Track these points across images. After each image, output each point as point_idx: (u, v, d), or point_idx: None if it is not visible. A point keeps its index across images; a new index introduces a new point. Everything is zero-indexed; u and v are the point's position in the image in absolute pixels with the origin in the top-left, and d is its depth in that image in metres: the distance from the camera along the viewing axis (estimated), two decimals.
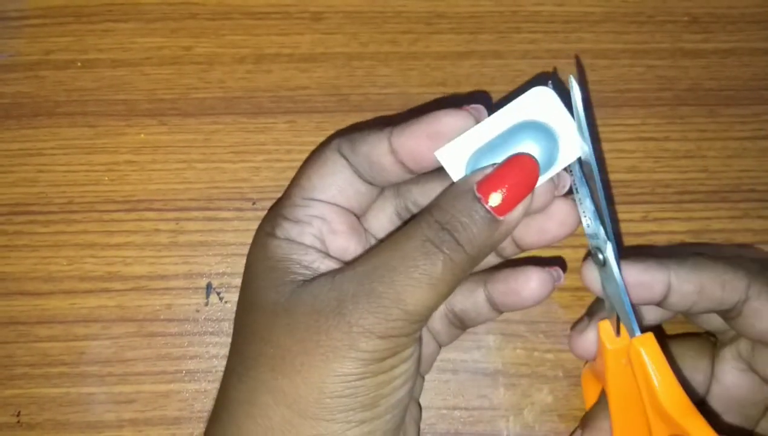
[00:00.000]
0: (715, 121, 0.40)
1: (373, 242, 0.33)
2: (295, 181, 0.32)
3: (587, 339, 0.32)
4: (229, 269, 0.38)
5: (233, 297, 0.38)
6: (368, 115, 0.40)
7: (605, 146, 0.39)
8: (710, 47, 0.41)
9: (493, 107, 0.29)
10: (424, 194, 0.32)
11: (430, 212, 0.27)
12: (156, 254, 0.38)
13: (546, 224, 0.30)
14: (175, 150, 0.39)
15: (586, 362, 0.36)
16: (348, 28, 0.41)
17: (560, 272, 0.31)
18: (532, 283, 0.31)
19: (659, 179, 0.39)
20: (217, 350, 0.37)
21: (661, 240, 0.38)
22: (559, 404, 0.37)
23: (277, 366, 0.28)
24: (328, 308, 0.27)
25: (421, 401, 0.36)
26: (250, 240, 0.38)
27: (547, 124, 0.28)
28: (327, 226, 0.30)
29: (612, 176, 0.39)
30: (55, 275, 0.38)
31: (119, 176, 0.39)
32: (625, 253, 0.33)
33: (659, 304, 0.30)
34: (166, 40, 0.41)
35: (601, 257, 0.30)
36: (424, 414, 0.37)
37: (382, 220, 0.33)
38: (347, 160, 0.30)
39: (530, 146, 0.28)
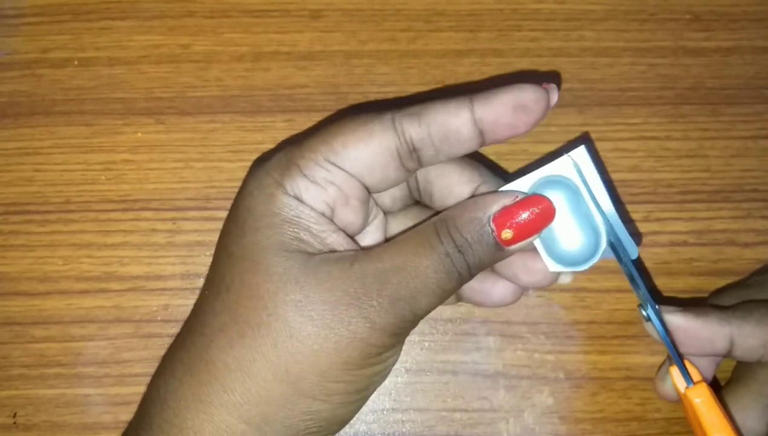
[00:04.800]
0: (717, 120, 0.39)
1: (378, 214, 0.32)
2: (324, 137, 0.29)
3: (666, 384, 0.33)
4: None
5: None
6: None
7: (607, 145, 0.39)
8: (712, 45, 0.40)
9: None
10: (439, 175, 0.32)
11: (448, 227, 0.28)
12: (153, 254, 0.38)
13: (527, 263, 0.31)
14: (173, 149, 0.39)
15: None
16: (347, 26, 0.40)
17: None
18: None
19: (661, 179, 0.39)
20: None
21: (663, 240, 0.38)
22: (560, 406, 0.37)
23: (281, 343, 0.27)
24: (346, 298, 0.27)
25: (421, 402, 0.36)
26: None
27: (556, 176, 0.30)
28: (342, 196, 0.29)
29: (614, 176, 0.39)
30: (51, 275, 0.38)
31: (116, 176, 0.39)
32: (688, 303, 0.34)
33: (724, 356, 0.32)
34: (163, 38, 0.40)
35: (644, 313, 0.31)
36: (423, 416, 0.37)
37: (392, 191, 0.32)
38: (401, 137, 0.29)
39: (554, 195, 0.30)
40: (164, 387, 0.29)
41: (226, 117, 0.39)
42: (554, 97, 0.29)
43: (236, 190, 0.38)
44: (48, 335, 0.37)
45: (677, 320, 0.31)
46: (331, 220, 0.29)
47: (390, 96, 0.39)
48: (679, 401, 0.32)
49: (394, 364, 0.30)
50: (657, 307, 0.31)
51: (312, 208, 0.29)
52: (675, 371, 0.31)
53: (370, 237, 0.32)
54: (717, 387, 0.34)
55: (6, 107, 0.39)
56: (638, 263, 0.38)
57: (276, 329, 0.27)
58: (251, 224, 0.29)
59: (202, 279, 0.38)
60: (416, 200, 0.33)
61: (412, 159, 0.29)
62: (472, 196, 0.31)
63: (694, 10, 0.41)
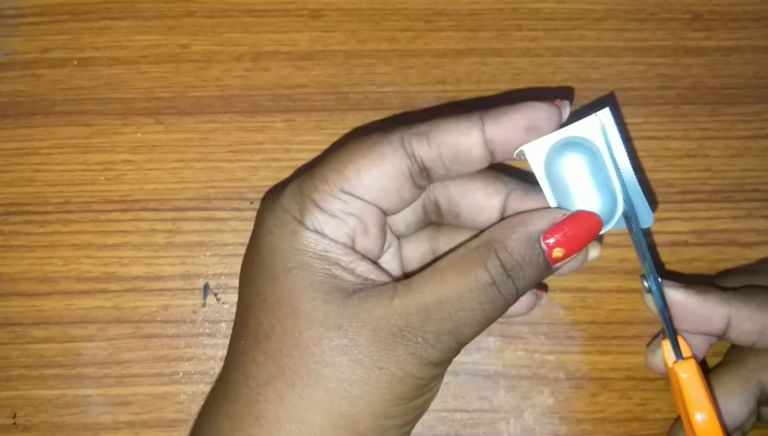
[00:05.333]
0: (717, 120, 0.39)
1: (393, 241, 0.32)
2: (335, 165, 0.28)
3: (656, 357, 0.33)
4: (226, 269, 0.38)
5: (231, 298, 0.38)
6: (367, 114, 0.39)
7: None
8: (712, 45, 0.40)
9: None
10: (464, 194, 0.31)
11: (495, 250, 0.28)
12: (153, 255, 0.38)
13: None
14: (172, 149, 0.39)
15: None
16: (346, 25, 0.40)
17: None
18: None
19: (661, 179, 0.39)
20: (214, 351, 0.37)
21: (663, 240, 0.38)
22: (560, 407, 0.37)
23: (333, 388, 0.27)
24: (392, 337, 0.27)
25: None
26: (248, 240, 0.38)
27: (579, 138, 0.29)
28: (361, 226, 0.29)
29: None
30: (51, 275, 0.38)
31: (116, 176, 0.39)
32: (691, 279, 0.34)
33: (719, 337, 0.32)
34: (163, 37, 0.40)
35: (646, 284, 0.30)
36: (424, 417, 0.36)
37: (406, 212, 0.32)
38: (411, 158, 0.28)
39: (575, 157, 0.29)
40: None
41: (225, 117, 0.39)
42: (566, 113, 0.29)
43: (236, 189, 0.38)
44: (48, 336, 0.37)
45: (677, 296, 0.31)
46: (354, 249, 0.29)
47: (390, 95, 0.39)
48: (666, 374, 0.32)
49: (438, 388, 0.30)
50: (660, 280, 0.31)
51: (337, 242, 0.28)
52: (667, 344, 0.31)
53: (386, 265, 0.31)
54: (705, 369, 0.34)
55: (5, 107, 0.39)
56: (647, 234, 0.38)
57: (326, 376, 0.27)
58: (281, 265, 0.28)
59: (202, 279, 0.38)
60: (429, 222, 0.33)
61: (423, 177, 0.29)
62: (504, 207, 0.31)
63: (694, 10, 0.41)
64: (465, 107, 0.30)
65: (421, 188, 0.30)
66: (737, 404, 0.32)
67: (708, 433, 0.29)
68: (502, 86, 0.40)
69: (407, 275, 0.32)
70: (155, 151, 0.39)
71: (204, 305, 0.38)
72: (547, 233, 0.28)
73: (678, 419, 0.34)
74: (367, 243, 0.29)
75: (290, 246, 0.28)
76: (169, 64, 0.40)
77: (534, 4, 0.41)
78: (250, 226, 0.37)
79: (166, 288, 0.38)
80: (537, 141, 0.28)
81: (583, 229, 0.28)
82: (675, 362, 0.30)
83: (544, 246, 0.28)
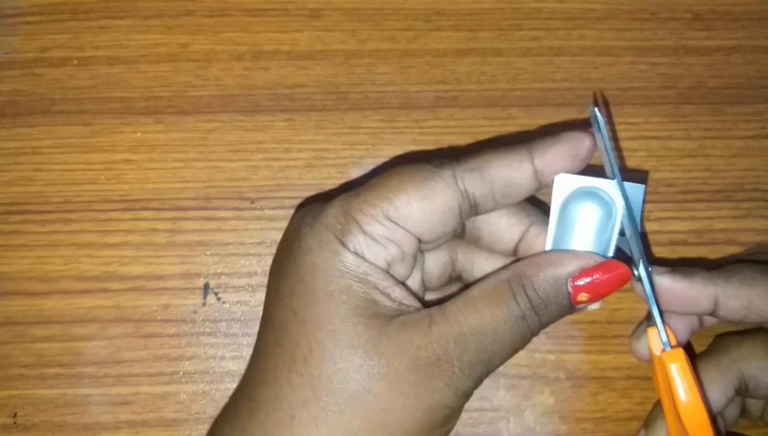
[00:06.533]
0: (718, 120, 0.39)
1: (420, 258, 0.32)
2: (384, 192, 0.28)
3: (641, 344, 0.34)
4: (227, 269, 0.38)
5: (231, 298, 0.38)
6: (367, 113, 0.39)
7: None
8: (713, 45, 0.40)
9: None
10: (488, 220, 0.31)
11: (524, 286, 0.28)
12: (153, 254, 0.38)
13: None
14: (172, 149, 0.39)
15: None
16: (346, 25, 0.40)
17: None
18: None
19: (662, 178, 0.39)
20: (214, 351, 0.37)
21: (663, 240, 0.38)
22: (560, 406, 0.37)
23: (370, 416, 0.27)
24: (430, 367, 0.27)
25: None
26: (248, 239, 0.38)
27: (607, 194, 0.30)
28: (400, 253, 0.29)
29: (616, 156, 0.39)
30: (51, 274, 0.38)
31: (116, 175, 0.39)
32: (675, 263, 0.34)
33: (710, 314, 0.32)
34: (162, 37, 0.40)
35: (636, 272, 0.30)
36: None
37: None
38: (463, 195, 0.29)
39: (591, 206, 0.30)
40: None
41: (225, 116, 0.39)
42: (593, 142, 0.30)
43: (236, 189, 0.38)
44: (48, 335, 0.37)
45: (665, 281, 0.31)
46: (389, 274, 0.29)
47: (390, 95, 0.39)
48: (650, 361, 0.32)
49: (461, 414, 0.30)
50: (650, 268, 0.31)
51: (375, 266, 0.28)
52: (653, 332, 0.31)
53: (411, 279, 0.31)
54: (692, 355, 0.34)
55: (5, 107, 0.39)
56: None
57: (365, 404, 0.27)
58: (322, 286, 0.28)
59: (202, 279, 0.38)
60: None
61: (471, 212, 0.29)
62: (522, 238, 0.31)
63: (695, 9, 0.41)
64: (507, 141, 0.30)
65: (464, 223, 0.30)
66: (716, 392, 0.32)
67: (695, 422, 0.29)
68: (502, 86, 0.39)
69: (434, 300, 0.33)
70: (155, 151, 0.39)
71: (204, 304, 0.38)
72: (577, 276, 0.28)
73: (656, 404, 0.34)
74: (401, 269, 0.30)
75: (331, 266, 0.28)
76: (169, 64, 0.40)
77: (534, 3, 0.41)
78: (251, 225, 0.38)
79: (166, 287, 0.38)
80: (572, 176, 0.30)
81: (612, 277, 0.28)
82: (663, 350, 0.30)
83: (570, 289, 0.28)
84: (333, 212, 0.29)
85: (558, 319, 0.29)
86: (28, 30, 0.40)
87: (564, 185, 0.30)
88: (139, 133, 0.39)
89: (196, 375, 0.37)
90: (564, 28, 0.40)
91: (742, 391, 0.33)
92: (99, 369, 0.37)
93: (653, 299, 0.30)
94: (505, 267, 0.30)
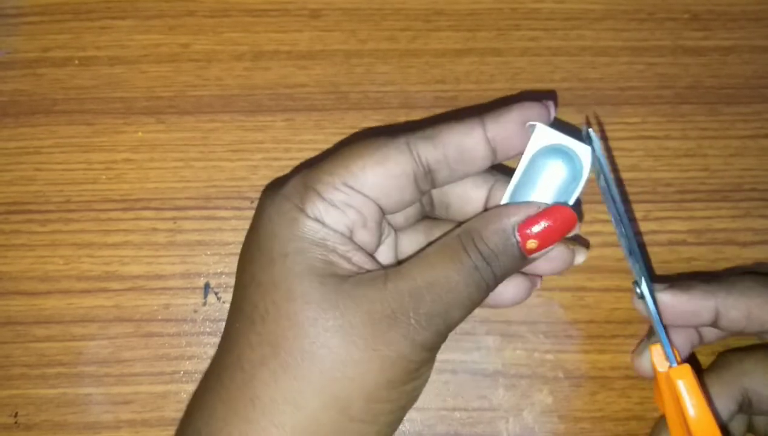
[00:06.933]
0: (716, 120, 0.39)
1: (390, 233, 0.32)
2: (341, 161, 0.29)
3: (644, 361, 0.33)
4: (227, 268, 0.38)
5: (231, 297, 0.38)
6: (367, 113, 0.39)
7: (605, 145, 0.39)
8: (711, 45, 0.40)
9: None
10: (454, 184, 0.32)
11: (475, 241, 0.29)
12: (153, 254, 0.38)
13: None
14: (173, 148, 0.39)
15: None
16: (346, 25, 0.40)
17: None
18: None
19: (660, 178, 0.39)
20: (215, 350, 0.37)
21: (661, 239, 0.38)
22: (559, 405, 0.37)
23: (327, 369, 0.27)
24: (386, 319, 0.27)
25: (420, 401, 0.36)
26: None
27: (575, 153, 0.30)
28: (360, 219, 0.29)
29: (612, 175, 0.39)
30: (52, 274, 0.38)
31: (117, 175, 0.39)
32: (674, 278, 0.34)
33: (711, 326, 0.32)
34: (163, 37, 0.40)
35: (638, 290, 0.31)
36: (423, 415, 0.37)
37: (406, 210, 0.33)
38: (416, 161, 0.29)
39: (559, 165, 0.31)
40: (206, 428, 0.28)
41: (226, 116, 0.39)
42: (553, 112, 0.31)
43: (236, 188, 0.38)
44: (49, 335, 0.37)
45: (665, 298, 0.32)
46: (351, 239, 0.29)
47: (390, 95, 0.40)
48: (653, 378, 0.33)
49: (429, 376, 0.30)
50: (652, 285, 0.31)
51: (335, 230, 0.29)
52: (656, 349, 0.31)
53: (382, 256, 0.32)
54: (699, 370, 0.35)
55: (7, 106, 0.40)
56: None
57: (321, 357, 0.27)
58: (278, 250, 0.28)
59: (203, 278, 0.38)
60: (425, 215, 0.34)
61: (427, 181, 0.30)
62: (488, 198, 0.32)
63: (692, 10, 0.41)
64: (464, 113, 0.31)
65: (423, 193, 0.30)
66: (720, 407, 0.32)
67: None
68: (501, 85, 0.40)
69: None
70: (156, 151, 0.39)
71: (205, 303, 0.38)
72: (522, 225, 0.29)
73: (661, 419, 0.34)
74: (365, 236, 0.30)
75: (289, 232, 0.29)
76: (170, 64, 0.40)
77: (533, 4, 0.41)
78: None
79: (167, 287, 0.38)
80: (550, 130, 0.30)
81: (557, 222, 0.29)
82: (670, 367, 0.31)
83: (518, 238, 0.28)
84: (293, 184, 0.30)
85: (515, 269, 0.29)
86: (30, 30, 0.40)
87: (541, 137, 0.30)
88: (140, 133, 0.39)
89: (196, 375, 0.37)
90: (562, 29, 0.40)
91: (746, 407, 0.33)
92: (100, 368, 0.37)
93: (657, 317, 0.30)
94: (458, 225, 0.30)
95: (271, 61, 0.40)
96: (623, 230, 0.30)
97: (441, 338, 0.29)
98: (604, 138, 0.39)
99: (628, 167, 0.39)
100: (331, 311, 0.27)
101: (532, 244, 0.29)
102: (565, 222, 0.29)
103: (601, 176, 0.30)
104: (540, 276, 0.33)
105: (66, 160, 0.39)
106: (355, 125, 0.39)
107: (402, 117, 0.39)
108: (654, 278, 0.37)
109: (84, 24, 0.41)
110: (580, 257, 0.32)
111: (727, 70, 0.40)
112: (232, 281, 0.37)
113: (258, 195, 0.38)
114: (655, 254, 0.38)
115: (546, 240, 0.29)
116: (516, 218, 0.29)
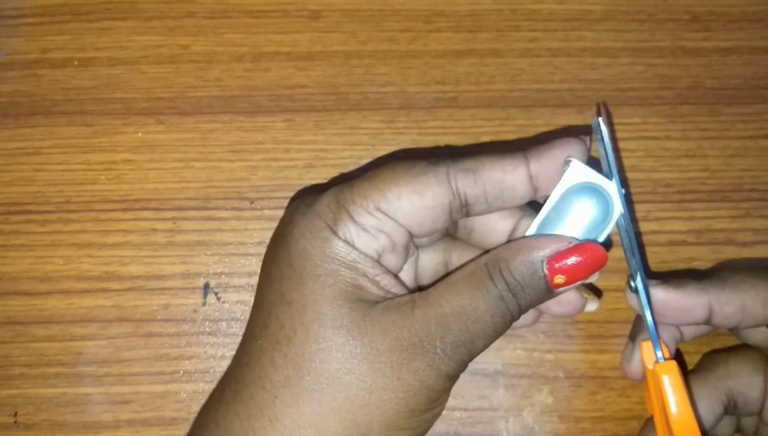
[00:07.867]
0: (716, 120, 0.39)
1: (413, 252, 0.32)
2: (378, 184, 0.29)
3: (635, 363, 0.33)
4: (226, 269, 0.38)
5: (231, 297, 0.38)
6: (367, 114, 0.39)
7: None
8: (711, 46, 0.40)
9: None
10: (483, 224, 0.32)
11: (500, 269, 0.28)
12: (153, 254, 0.38)
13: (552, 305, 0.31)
14: (173, 149, 0.39)
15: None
16: (346, 26, 0.40)
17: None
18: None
19: (660, 178, 0.39)
20: (214, 350, 0.37)
21: (662, 240, 0.38)
22: (559, 405, 0.37)
23: (351, 396, 0.27)
24: (412, 347, 0.27)
25: None
26: (248, 239, 0.38)
27: (607, 192, 0.30)
28: (390, 244, 0.29)
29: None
30: (51, 274, 0.38)
31: (116, 175, 0.39)
32: (667, 275, 0.34)
33: (705, 323, 0.32)
34: (163, 38, 0.40)
35: (633, 285, 0.31)
36: None
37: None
38: (455, 193, 0.29)
39: (589, 203, 0.30)
40: None
41: (225, 117, 0.39)
42: (590, 147, 0.30)
43: (236, 189, 0.38)
44: (49, 335, 0.37)
45: (658, 294, 0.32)
46: (379, 263, 0.29)
47: (389, 96, 0.40)
48: (643, 380, 0.33)
49: (446, 404, 0.30)
50: (647, 280, 0.31)
51: (365, 254, 0.29)
52: (647, 346, 0.31)
53: (404, 273, 0.32)
54: (684, 370, 0.34)
55: (7, 107, 0.40)
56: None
57: (347, 384, 0.27)
58: (310, 270, 0.28)
59: (202, 279, 0.38)
60: (446, 234, 0.33)
61: (461, 212, 0.30)
62: (514, 230, 0.31)
63: (692, 11, 0.41)
64: (505, 147, 0.31)
65: (455, 221, 0.30)
66: (704, 409, 0.32)
67: (686, 434, 0.30)
68: (501, 87, 0.40)
69: (420, 286, 0.33)
70: (156, 151, 0.39)
71: (204, 304, 0.38)
72: (551, 259, 0.28)
73: (649, 420, 0.34)
74: (392, 260, 0.30)
75: (321, 252, 0.28)
76: (170, 65, 0.40)
77: (533, 5, 0.41)
78: (251, 225, 0.38)
79: (166, 287, 0.38)
80: (585, 167, 0.30)
81: (587, 259, 0.28)
82: (656, 362, 0.30)
83: (546, 271, 0.28)
84: (326, 201, 0.29)
85: (539, 302, 0.29)
86: (30, 31, 0.41)
87: (575, 173, 0.29)
88: (140, 134, 0.39)
89: (196, 374, 0.37)
90: (562, 30, 0.41)
91: (732, 408, 0.33)
92: (99, 368, 0.37)
93: (650, 312, 0.30)
94: (486, 253, 0.30)
95: (271, 62, 0.40)
96: (623, 221, 0.30)
97: (463, 367, 0.29)
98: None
99: (629, 168, 0.39)
100: (360, 337, 0.27)
101: (559, 279, 0.28)
102: (596, 260, 0.29)
103: (604, 162, 0.30)
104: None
105: (66, 160, 0.39)
106: (355, 126, 0.39)
107: (402, 118, 0.39)
108: (649, 275, 0.37)
109: (84, 25, 0.41)
110: (591, 306, 0.32)
111: (727, 71, 0.40)
112: (231, 281, 0.38)
113: (258, 195, 0.38)
114: (655, 254, 0.38)
115: (574, 276, 0.28)
116: (546, 251, 0.28)
